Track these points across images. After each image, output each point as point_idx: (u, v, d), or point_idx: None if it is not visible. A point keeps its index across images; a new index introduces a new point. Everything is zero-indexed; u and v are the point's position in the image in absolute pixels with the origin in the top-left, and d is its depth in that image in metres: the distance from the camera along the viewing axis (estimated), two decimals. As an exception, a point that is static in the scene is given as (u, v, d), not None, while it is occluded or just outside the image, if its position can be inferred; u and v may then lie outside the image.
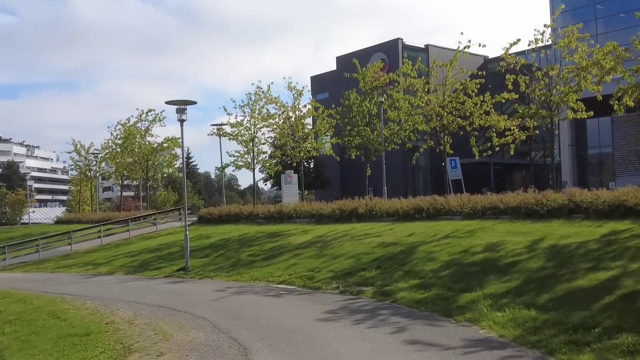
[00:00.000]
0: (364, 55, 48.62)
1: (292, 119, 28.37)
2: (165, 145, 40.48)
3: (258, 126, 30.10)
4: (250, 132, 30.69)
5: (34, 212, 72.44)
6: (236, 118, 30.73)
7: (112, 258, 23.67)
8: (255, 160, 30.91)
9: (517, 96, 21.14)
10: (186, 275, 18.19)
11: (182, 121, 19.71)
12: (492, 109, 21.50)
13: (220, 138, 33.81)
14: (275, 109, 28.81)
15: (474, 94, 22.24)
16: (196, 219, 32.63)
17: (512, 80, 19.35)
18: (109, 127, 41.74)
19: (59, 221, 47.53)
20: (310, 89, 29.20)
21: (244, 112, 30.46)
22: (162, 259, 21.59)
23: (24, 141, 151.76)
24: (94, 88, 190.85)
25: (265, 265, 17.64)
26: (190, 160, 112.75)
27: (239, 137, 31.01)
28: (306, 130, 28.88)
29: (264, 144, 31.01)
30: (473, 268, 13.12)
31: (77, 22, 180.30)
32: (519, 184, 42.73)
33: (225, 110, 30.51)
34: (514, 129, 20.16)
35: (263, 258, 18.68)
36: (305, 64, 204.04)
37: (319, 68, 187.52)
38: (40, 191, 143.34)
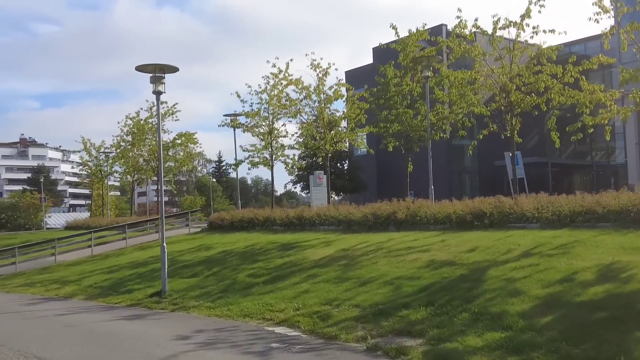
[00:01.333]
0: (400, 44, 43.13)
1: (316, 104, 23.25)
2: (179, 141, 35.80)
3: (276, 115, 25.14)
4: (267, 121, 25.72)
5: (50, 216, 69.33)
6: (252, 106, 25.84)
7: (87, 274, 18.93)
8: (273, 156, 25.91)
9: (614, 60, 15.58)
10: (157, 305, 13.18)
11: (158, 93, 14.54)
12: (583, 79, 15.85)
13: (234, 131, 28.98)
14: (296, 91, 23.72)
15: (551, 65, 16.73)
16: (207, 225, 27.80)
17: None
18: (118, 123, 36.49)
19: (68, 226, 43.54)
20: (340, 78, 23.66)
21: (261, 100, 25.55)
22: (142, 277, 16.69)
23: (60, 146, 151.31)
24: (137, 96, 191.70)
25: (266, 292, 12.52)
26: (221, 165, 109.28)
27: (255, 129, 26.09)
28: (334, 117, 23.60)
29: (284, 136, 25.98)
30: (595, 313, 7.71)
31: (118, 31, 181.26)
32: (578, 188, 36.88)
33: (238, 96, 25.56)
34: (611, 105, 14.51)
35: (265, 280, 13.57)
36: (340, 70, 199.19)
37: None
38: (75, 196, 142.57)
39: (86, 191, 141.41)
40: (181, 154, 36.49)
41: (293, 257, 15.42)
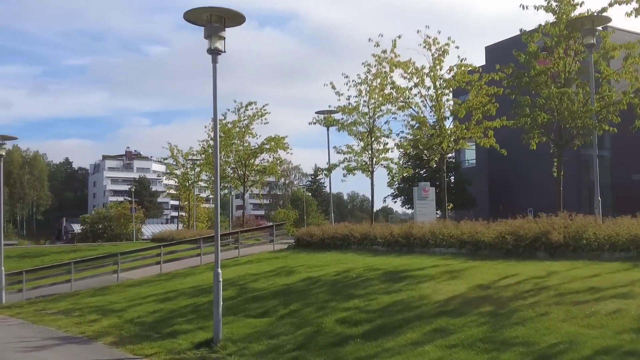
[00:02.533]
0: (518, 42, 37.19)
1: (431, 91, 18.30)
2: (267, 146, 31.94)
3: (378, 108, 20.51)
4: (367, 118, 21.12)
5: (140, 228, 68.44)
6: (348, 100, 21.38)
7: (138, 301, 15.03)
8: (374, 160, 21.23)
9: None
10: (201, 364, 8.78)
11: (215, 52, 9.82)
12: None
13: (328, 131, 24.56)
14: (405, 77, 18.85)
15: None
16: (293, 241, 23.51)
17: None
18: (205, 127, 33.03)
19: (154, 238, 41.01)
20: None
21: (360, 92, 21.01)
22: (199, 311, 12.45)
23: (163, 159, 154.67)
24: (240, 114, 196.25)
25: (367, 356, 7.78)
26: (317, 178, 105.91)
27: (352, 128, 21.57)
28: (457, 106, 18.42)
29: (387, 135, 21.23)
30: None
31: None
32: None
33: (332, 87, 21.19)
34: None
35: (365, 333, 8.82)
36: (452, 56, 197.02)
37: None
38: (175, 208, 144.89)
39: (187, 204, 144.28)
40: (269, 160, 32.58)
41: (405, 294, 10.55)
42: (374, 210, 26.59)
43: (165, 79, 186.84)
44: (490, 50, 47.39)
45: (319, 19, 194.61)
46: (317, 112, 24.53)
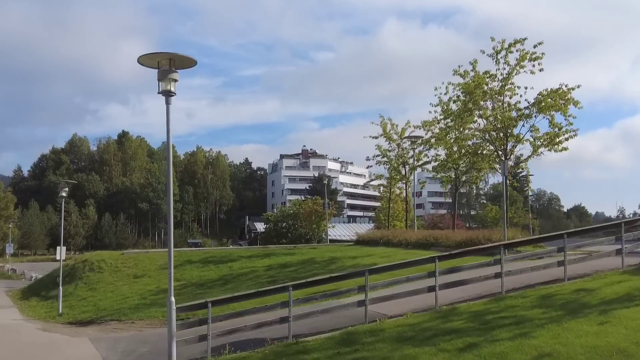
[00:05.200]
0: None
1: None
2: (543, 104, 20.96)
3: None
4: None
5: (333, 227, 60.78)
6: None
7: None
8: None
9: None
10: None
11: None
12: None
13: None
14: None
15: None
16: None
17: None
18: (436, 88, 22.34)
19: (359, 240, 32.07)
20: None
21: None
22: None
23: (338, 157, 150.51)
24: (403, 115, 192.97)
25: None
26: (517, 171, 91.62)
27: None
28: None
29: None
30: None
31: (385, 53, 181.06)
32: None
33: None
34: None
35: None
36: (624, 77, 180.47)
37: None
38: (352, 207, 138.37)
39: (363, 202, 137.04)
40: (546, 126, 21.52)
41: None
42: None
43: (331, 84, 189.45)
44: None
45: (485, 12, 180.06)
46: None
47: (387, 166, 30.87)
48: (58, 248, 26.29)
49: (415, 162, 29.05)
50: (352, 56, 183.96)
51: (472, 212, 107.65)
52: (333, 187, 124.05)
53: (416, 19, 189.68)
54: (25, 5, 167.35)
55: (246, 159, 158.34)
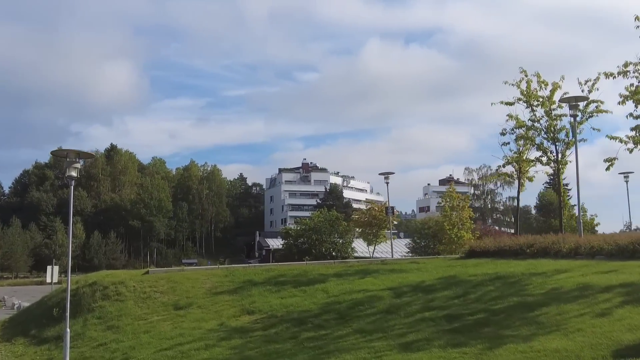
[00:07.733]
0: None
1: None
2: None
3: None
4: None
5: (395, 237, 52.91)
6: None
7: None
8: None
9: None
10: None
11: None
12: None
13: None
14: None
15: None
16: None
17: None
18: None
19: (472, 252, 23.67)
20: None
21: None
22: None
23: (338, 172, 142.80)
24: (388, 135, 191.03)
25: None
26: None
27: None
28: None
29: None
30: None
31: (369, 73, 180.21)
32: None
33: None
34: None
35: None
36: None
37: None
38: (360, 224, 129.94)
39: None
40: None
41: None
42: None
43: (316, 105, 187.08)
44: None
45: (465, 31, 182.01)
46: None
47: (525, 142, 22.10)
48: (48, 268, 18.29)
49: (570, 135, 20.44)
50: (337, 76, 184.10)
51: None
52: (348, 199, 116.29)
53: (399, 39, 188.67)
54: (11, 29, 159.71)
55: (241, 174, 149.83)
